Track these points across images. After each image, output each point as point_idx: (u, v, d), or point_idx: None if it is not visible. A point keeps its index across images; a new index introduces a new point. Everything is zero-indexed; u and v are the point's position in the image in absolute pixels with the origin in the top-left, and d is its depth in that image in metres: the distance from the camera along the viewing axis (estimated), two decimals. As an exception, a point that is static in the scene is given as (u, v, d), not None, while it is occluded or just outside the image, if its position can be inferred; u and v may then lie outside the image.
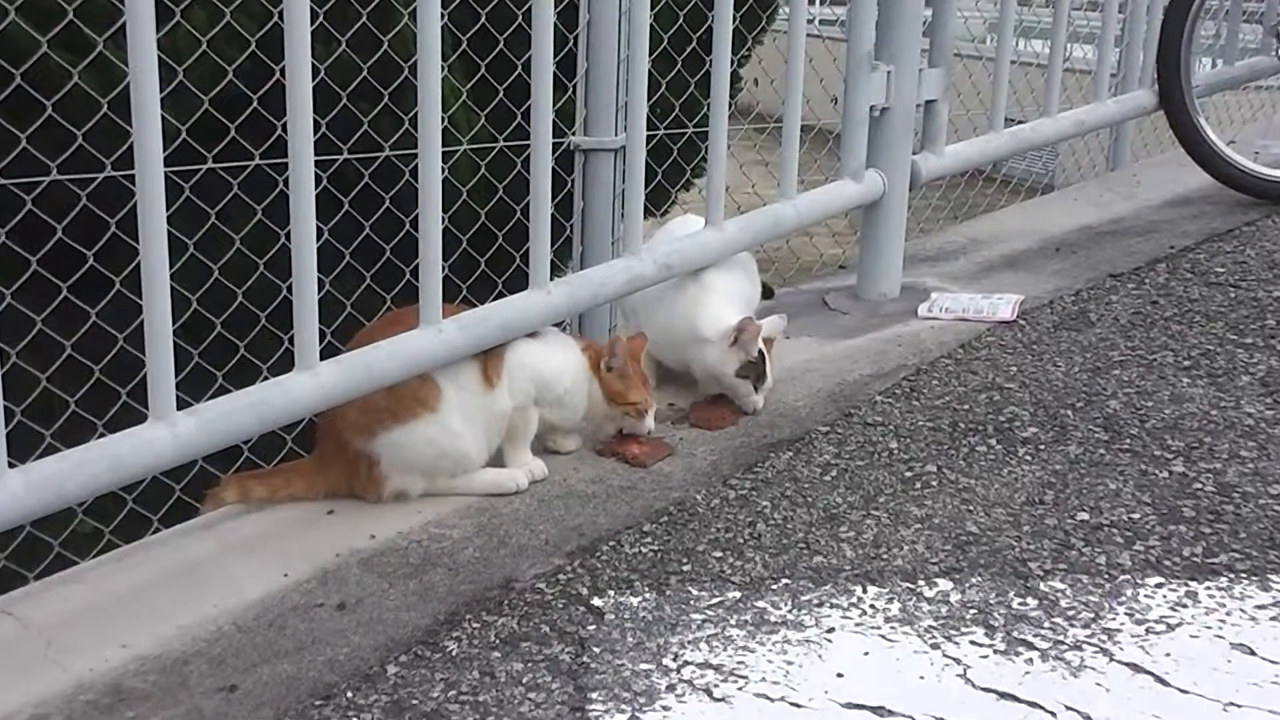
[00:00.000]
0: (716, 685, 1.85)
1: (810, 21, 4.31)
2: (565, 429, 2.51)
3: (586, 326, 3.62)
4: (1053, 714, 1.77)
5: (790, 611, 2.03)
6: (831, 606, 2.04)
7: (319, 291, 2.16)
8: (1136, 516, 2.28)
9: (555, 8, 2.42)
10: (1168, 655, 1.90)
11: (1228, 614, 1.99)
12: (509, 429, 2.39)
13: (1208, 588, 2.05)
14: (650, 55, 2.70)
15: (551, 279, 2.54)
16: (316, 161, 2.12)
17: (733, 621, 2.00)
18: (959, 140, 3.74)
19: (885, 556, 2.17)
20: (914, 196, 3.52)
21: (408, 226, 3.43)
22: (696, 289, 2.76)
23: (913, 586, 2.08)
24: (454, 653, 1.93)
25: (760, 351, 2.64)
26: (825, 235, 4.99)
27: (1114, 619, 1.99)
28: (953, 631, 1.97)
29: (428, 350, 2.30)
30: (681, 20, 4.25)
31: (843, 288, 3.55)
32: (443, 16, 2.36)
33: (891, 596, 2.06)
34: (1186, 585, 2.07)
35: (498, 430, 2.38)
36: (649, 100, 2.69)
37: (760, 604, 2.05)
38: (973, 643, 1.94)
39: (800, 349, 3.03)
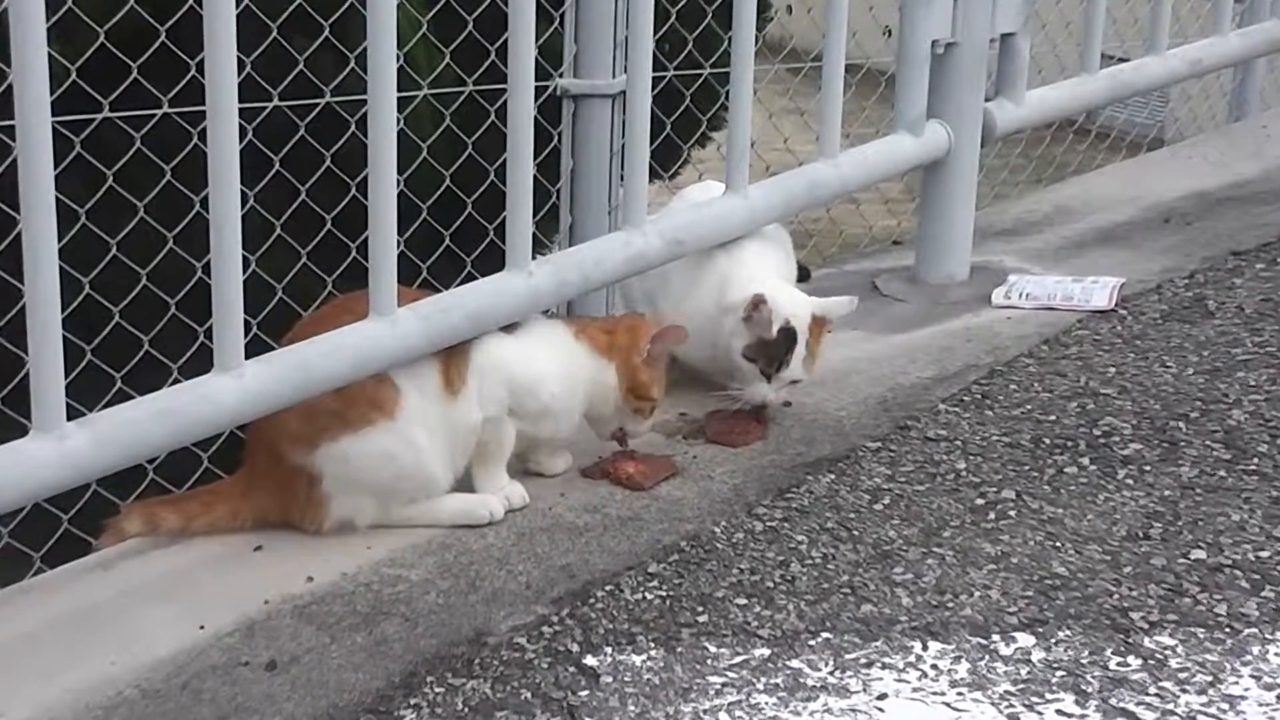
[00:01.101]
0: (740, 765, 1.86)
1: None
2: (552, 446, 2.52)
3: (577, 316, 3.62)
4: (1160, 801, 1.78)
5: (832, 673, 2.03)
6: (883, 667, 2.04)
7: (244, 272, 2.16)
8: (1265, 555, 2.28)
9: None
10: (1304, 728, 1.90)
11: (1379, 677, 1.99)
12: (479, 446, 2.40)
13: (1354, 644, 2.06)
14: (658, -23, 2.70)
15: (534, 257, 2.54)
16: (241, 110, 2.12)
17: (760, 685, 2.01)
18: (1043, 84, 3.74)
19: (951, 605, 2.18)
20: (987, 154, 3.52)
21: (354, 191, 3.43)
22: (727, 262, 2.77)
23: (985, 642, 2.09)
24: (412, 724, 1.94)
25: (787, 331, 2.63)
26: (876, 203, 4.99)
27: (1237, 683, 1.99)
28: (1035, 698, 1.97)
29: (378, 346, 2.30)
30: (697, -67, 4.25)
31: (897, 269, 3.55)
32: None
33: (959, 655, 2.07)
34: (1327, 641, 2.07)
35: (463, 447, 2.39)
36: (655, 33, 2.69)
37: (795, 664, 2.05)
38: (1060, 712, 1.94)
39: (844, 345, 3.03)
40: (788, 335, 2.64)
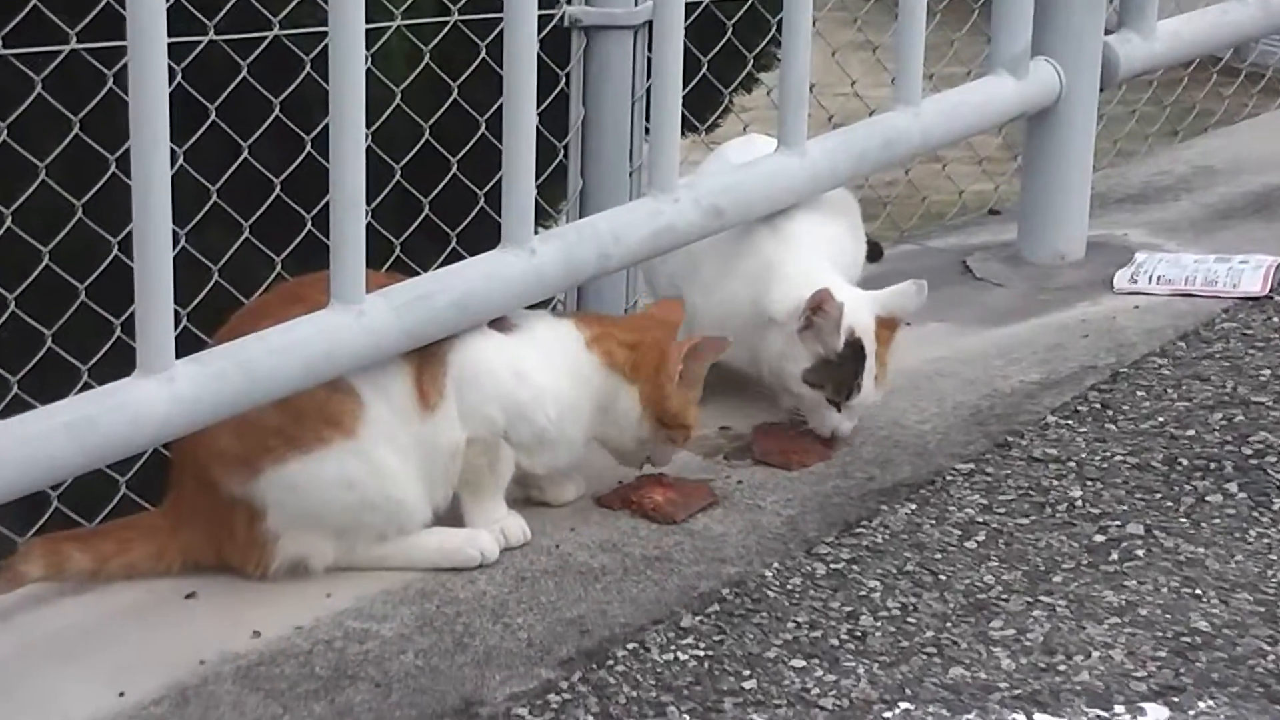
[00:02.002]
0: None
1: None
2: (555, 474, 2.54)
3: (591, 306, 3.62)
4: None
5: (913, 753, 2.04)
6: (978, 746, 2.05)
7: (173, 249, 2.17)
8: None
9: None
10: None
11: None
12: (465, 471, 2.41)
13: None
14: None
15: (537, 231, 2.55)
16: (170, 45, 2.13)
17: (822, 769, 2.02)
18: (1178, 12, 3.73)
19: (1063, 668, 2.18)
20: (1107, 100, 3.52)
21: (309, 148, 3.43)
22: (774, 244, 2.77)
23: (1106, 714, 2.09)
24: (384, 816, 1.95)
25: (854, 344, 2.63)
26: (967, 162, 4.99)
27: None
28: (1169, 785, 1.98)
29: (342, 342, 2.31)
30: None
31: (995, 245, 3.55)
32: None
33: (1072, 730, 2.07)
34: None
35: (444, 472, 2.40)
36: (690, -52, 2.70)
37: (865, 741, 2.06)
38: (1201, 803, 1.95)
39: (927, 341, 3.04)
40: (855, 350, 2.64)
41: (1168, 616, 2.28)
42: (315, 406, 2.30)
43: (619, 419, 2.51)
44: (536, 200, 2.56)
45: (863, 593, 2.34)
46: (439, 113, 3.87)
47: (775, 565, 2.41)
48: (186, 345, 2.25)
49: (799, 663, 2.20)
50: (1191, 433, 2.74)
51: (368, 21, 2.33)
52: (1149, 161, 4.18)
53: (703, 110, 4.49)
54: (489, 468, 2.42)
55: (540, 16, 2.49)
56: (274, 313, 2.33)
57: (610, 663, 2.19)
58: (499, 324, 2.47)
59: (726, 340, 2.57)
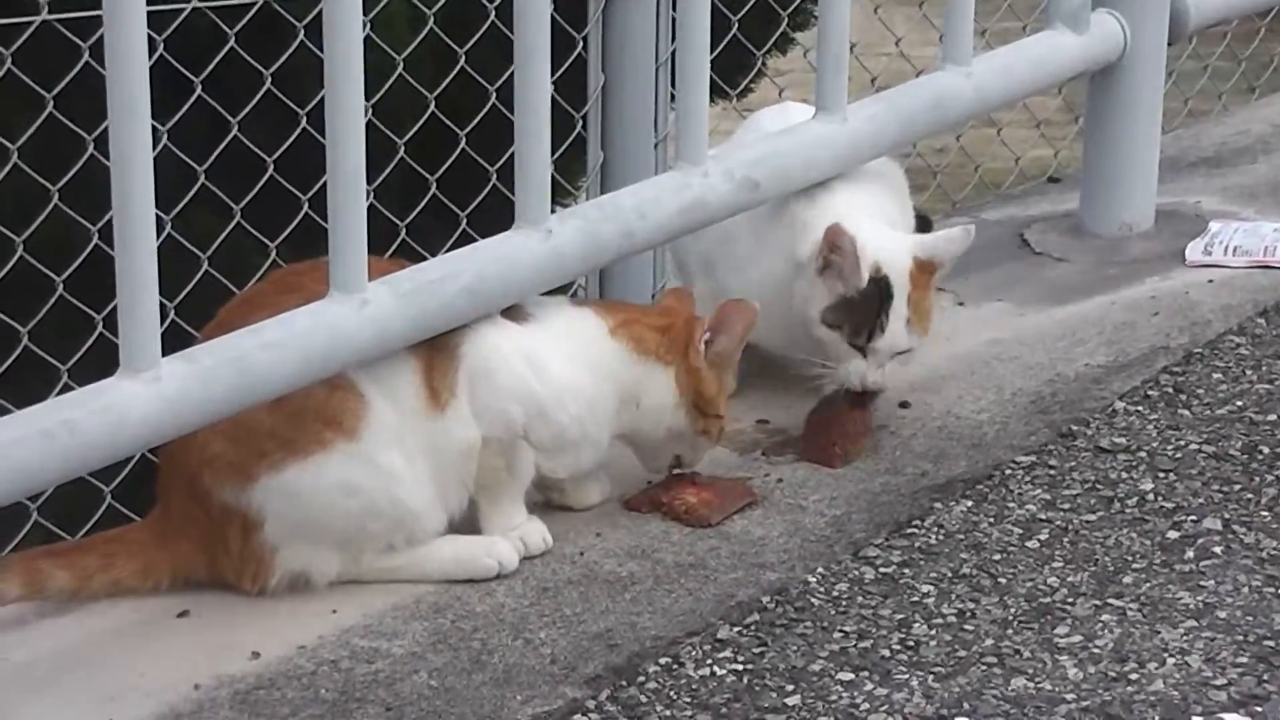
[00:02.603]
0: None
1: None
2: (578, 476, 2.55)
3: (615, 291, 3.63)
4: None
5: (973, 773, 2.05)
6: (1044, 764, 2.05)
7: (157, 236, 2.17)
8: None
9: None
10: None
11: None
12: (480, 474, 2.42)
13: None
14: None
15: (554, 209, 2.55)
16: (150, 14, 2.13)
17: (874, 791, 2.02)
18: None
19: (1135, 677, 2.18)
20: (1177, 54, 3.51)
21: (305, 123, 3.44)
22: (808, 210, 2.77)
23: (1183, 728, 2.10)
24: None
25: (879, 281, 2.64)
26: (1024, 126, 4.98)
27: None
28: (1254, 804, 1.98)
29: (342, 335, 2.31)
30: None
31: (1055, 216, 3.54)
32: None
33: (1147, 745, 2.08)
34: None
35: (458, 475, 2.41)
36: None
37: (921, 761, 2.07)
38: (1288, 823, 1.96)
39: (983, 322, 3.04)
40: (880, 287, 2.64)
41: (1249, 619, 2.28)
42: (314, 406, 2.31)
43: (652, 409, 2.51)
44: (553, 176, 2.56)
45: (915, 599, 2.35)
46: (445, 82, 3.87)
47: (820, 570, 2.41)
48: (173, 341, 2.25)
49: (847, 676, 2.20)
50: (1273, 418, 2.74)
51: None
52: (1224, 121, 4.17)
53: (733, 75, 4.49)
54: (506, 470, 2.43)
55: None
56: (268, 304, 2.34)
57: (641, 680, 2.20)
58: (513, 313, 2.47)
59: (751, 308, 2.55)
